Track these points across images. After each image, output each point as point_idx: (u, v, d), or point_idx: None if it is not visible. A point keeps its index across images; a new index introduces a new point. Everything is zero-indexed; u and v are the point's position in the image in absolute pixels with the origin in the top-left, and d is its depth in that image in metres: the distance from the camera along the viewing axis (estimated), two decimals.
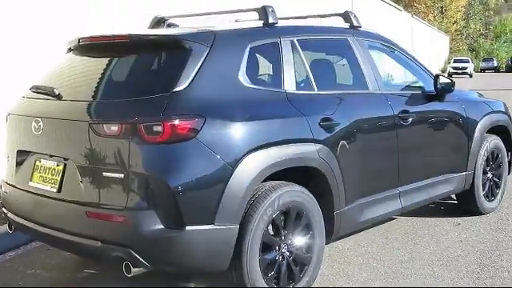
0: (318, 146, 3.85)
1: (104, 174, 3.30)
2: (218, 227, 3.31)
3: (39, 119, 3.61)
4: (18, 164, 3.89)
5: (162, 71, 3.54)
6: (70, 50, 4.17)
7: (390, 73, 4.97)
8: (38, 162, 3.75)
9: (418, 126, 4.87)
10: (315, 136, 3.84)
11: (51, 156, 3.62)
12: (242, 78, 3.62)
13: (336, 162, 3.96)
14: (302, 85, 4.03)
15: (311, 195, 3.82)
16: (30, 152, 3.81)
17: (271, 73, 4.03)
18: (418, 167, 4.92)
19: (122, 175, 3.24)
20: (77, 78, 3.86)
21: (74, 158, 3.45)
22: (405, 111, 4.69)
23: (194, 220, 3.25)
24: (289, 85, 3.89)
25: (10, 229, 4.08)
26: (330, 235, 4.06)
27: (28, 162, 3.82)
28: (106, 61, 3.83)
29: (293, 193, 3.69)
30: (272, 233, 3.62)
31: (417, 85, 5.17)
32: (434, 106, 5.11)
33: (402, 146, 4.64)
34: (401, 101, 4.76)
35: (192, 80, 3.38)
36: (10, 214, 4.00)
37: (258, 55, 3.96)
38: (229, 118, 3.42)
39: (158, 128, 3.20)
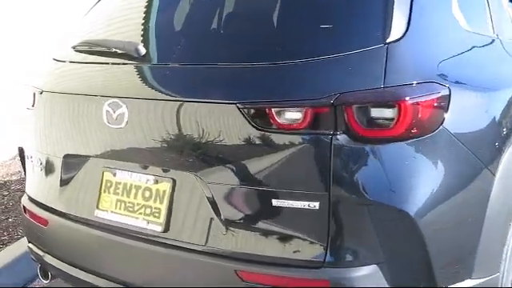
0: None
1: (274, 202, 1.75)
2: (481, 281, 1.86)
3: (119, 101, 1.98)
4: (66, 179, 2.24)
5: (350, 6, 1.94)
6: None
7: None
8: (109, 176, 2.12)
9: None
10: None
11: (145, 167, 2.00)
12: (459, 16, 2.10)
13: None
14: (507, 26, 2.54)
15: None
16: (89, 157, 2.17)
17: (474, 9, 2.50)
18: None
19: (314, 204, 1.70)
20: (163, 23, 2.21)
21: (198, 170, 1.87)
22: None
23: (449, 276, 1.79)
24: (498, 27, 2.40)
25: (46, 277, 2.47)
26: None
27: (87, 175, 2.19)
28: None
29: None
30: None
31: None
32: None
33: None
34: None
35: (408, 22, 1.85)
36: (48, 258, 2.37)
37: None
38: (471, 85, 1.94)
39: (386, 112, 1.68)
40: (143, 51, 2.00)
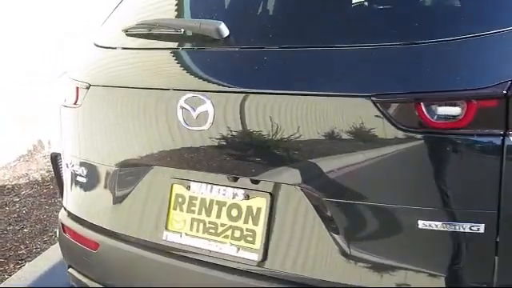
0: None
1: (420, 223, 1.33)
2: None
3: (201, 96, 1.54)
4: (122, 192, 1.81)
5: None
6: None
7: None
8: (180, 190, 1.70)
9: None
10: None
11: (233, 179, 1.58)
12: None
13: None
14: None
15: None
16: (152, 166, 1.74)
17: None
18: None
19: (477, 226, 1.30)
20: None
21: (307, 183, 1.46)
22: None
23: None
24: None
25: None
26: None
27: (150, 188, 1.76)
28: None
29: None
30: None
31: None
32: None
33: None
34: None
35: None
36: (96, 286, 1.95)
37: None
38: None
39: None
40: (226, 32, 1.57)
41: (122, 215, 1.82)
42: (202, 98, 1.53)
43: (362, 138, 1.37)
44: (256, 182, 1.57)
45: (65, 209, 2.10)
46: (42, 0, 5.31)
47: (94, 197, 1.91)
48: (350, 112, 1.37)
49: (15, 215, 3.95)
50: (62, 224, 2.07)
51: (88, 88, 1.84)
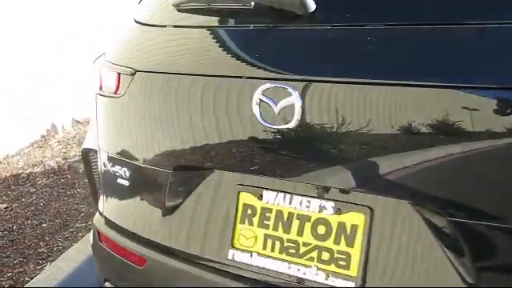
0: None
1: None
2: None
3: (287, 87, 1.23)
4: (176, 201, 1.51)
5: None
6: None
7: None
8: (249, 199, 1.40)
9: None
10: None
11: (325, 189, 1.27)
12: None
13: None
14: None
15: None
16: (211, 170, 1.43)
17: None
18: None
19: None
20: None
21: (422, 197, 1.15)
22: None
23: None
24: None
25: None
26: None
27: (210, 196, 1.46)
28: None
29: None
30: None
31: None
32: None
33: None
34: None
35: None
36: None
37: None
38: None
39: None
40: (313, 5, 1.25)
41: (176, 227, 1.52)
42: (288, 89, 1.22)
43: (501, 143, 1.06)
44: (351, 192, 1.26)
45: (100, 214, 1.80)
46: (42, 0, 5.16)
47: (139, 203, 1.61)
48: (486, 109, 1.05)
49: (32, 208, 3.68)
50: (99, 232, 1.78)
51: (133, 74, 1.53)
